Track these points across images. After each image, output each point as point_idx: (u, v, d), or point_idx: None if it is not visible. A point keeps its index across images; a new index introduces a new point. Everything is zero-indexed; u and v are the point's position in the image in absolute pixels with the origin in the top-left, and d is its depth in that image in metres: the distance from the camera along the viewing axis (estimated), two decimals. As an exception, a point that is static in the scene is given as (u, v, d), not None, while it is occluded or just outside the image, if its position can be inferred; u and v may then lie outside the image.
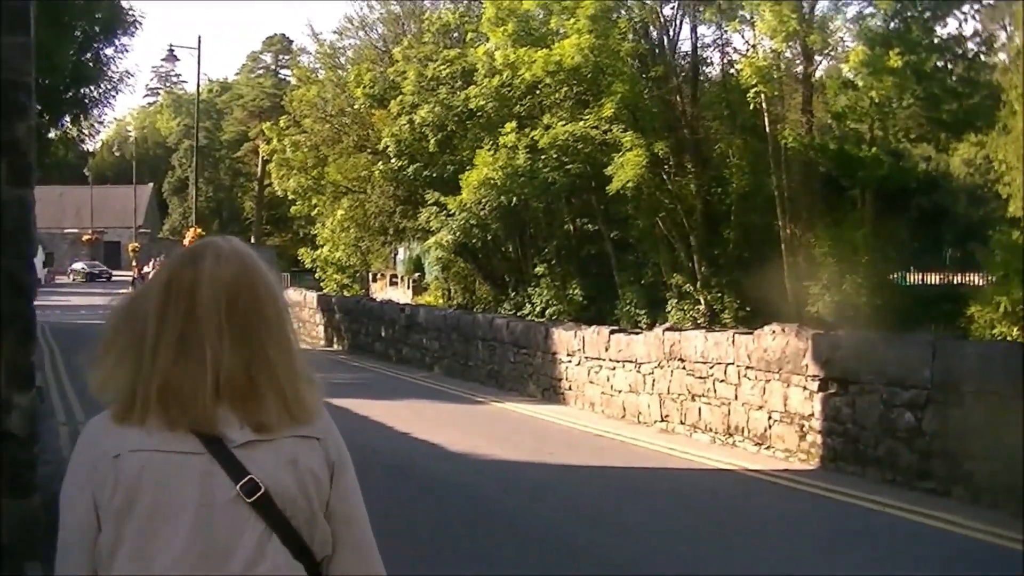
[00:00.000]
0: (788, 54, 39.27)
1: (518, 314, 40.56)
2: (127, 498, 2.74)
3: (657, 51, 42.56)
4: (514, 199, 40.23)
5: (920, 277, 42.16)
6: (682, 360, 17.87)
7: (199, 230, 59.20)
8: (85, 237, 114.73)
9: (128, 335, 2.90)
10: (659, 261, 41.44)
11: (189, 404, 2.76)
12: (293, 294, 43.95)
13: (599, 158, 39.27)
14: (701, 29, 42.95)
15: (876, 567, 10.36)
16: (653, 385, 18.78)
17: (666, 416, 18.43)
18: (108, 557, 2.77)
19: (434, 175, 44.34)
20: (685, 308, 39.61)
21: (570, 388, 22.04)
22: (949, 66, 39.90)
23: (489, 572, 9.92)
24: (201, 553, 2.71)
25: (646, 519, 12.02)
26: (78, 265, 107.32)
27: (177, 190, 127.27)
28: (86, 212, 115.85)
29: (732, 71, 42.20)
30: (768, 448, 15.65)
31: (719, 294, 39.39)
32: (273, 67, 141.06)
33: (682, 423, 17.96)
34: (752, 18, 38.55)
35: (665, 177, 40.15)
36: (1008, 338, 32.24)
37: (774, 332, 15.60)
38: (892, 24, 38.01)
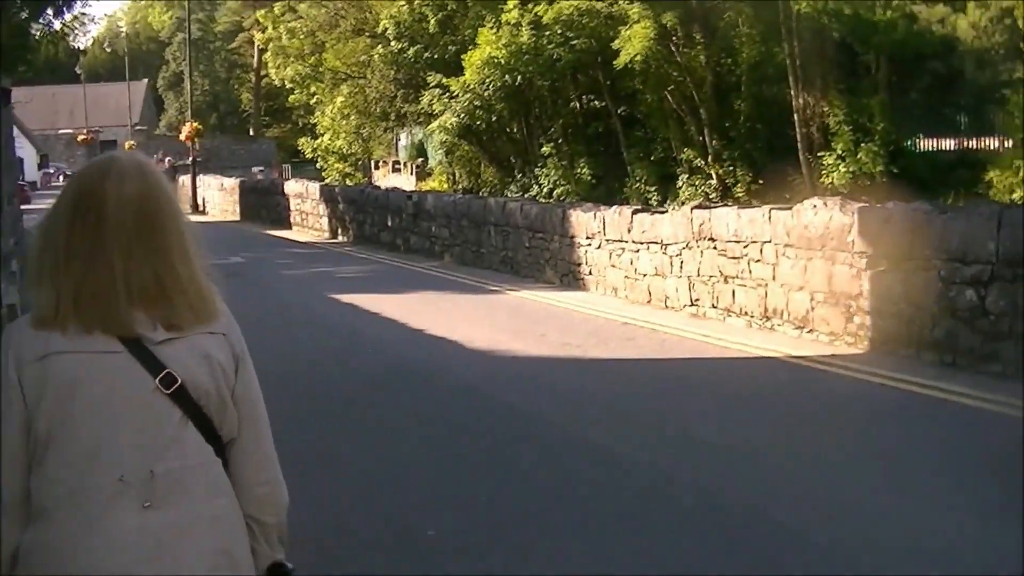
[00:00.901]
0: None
1: (525, 196, 39.68)
2: (58, 396, 2.98)
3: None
4: (519, 78, 39.23)
5: (935, 143, 40.91)
6: (712, 240, 16.64)
7: (196, 124, 58.10)
8: (80, 137, 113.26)
9: (48, 253, 3.10)
10: (669, 136, 40.41)
11: (104, 309, 3.02)
12: (294, 185, 42.71)
13: (605, 32, 38.11)
14: None
15: (938, 455, 9.40)
16: (681, 267, 17.58)
17: (696, 300, 17.25)
18: (41, 453, 3.02)
19: (435, 57, 43.41)
20: (696, 183, 38.69)
21: (590, 273, 20.82)
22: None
23: (531, 492, 8.87)
24: (131, 440, 3.00)
25: (691, 420, 10.92)
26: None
27: (172, 85, 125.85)
28: (80, 112, 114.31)
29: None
30: (810, 332, 14.53)
31: (731, 168, 38.36)
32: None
33: (714, 307, 16.79)
34: None
35: (673, 49, 38.86)
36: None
37: (815, 207, 14.37)
38: None
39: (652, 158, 40.99)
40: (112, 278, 3.01)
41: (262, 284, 24.03)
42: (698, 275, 17.08)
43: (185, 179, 58.27)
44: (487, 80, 39.37)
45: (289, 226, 40.59)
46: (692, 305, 17.28)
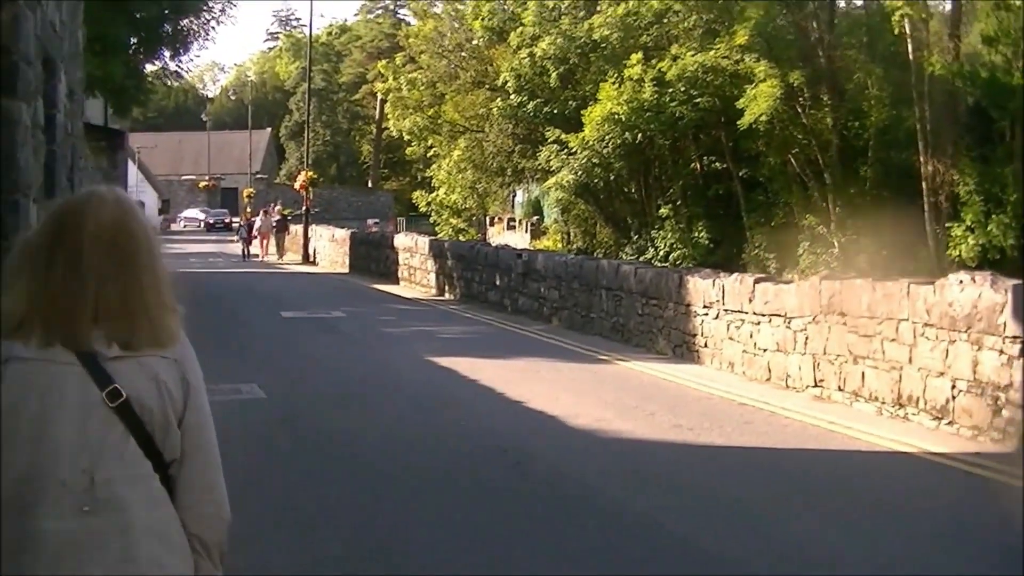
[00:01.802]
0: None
1: (641, 258, 38.74)
2: (10, 400, 3.29)
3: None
4: (639, 135, 38.29)
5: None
6: (842, 314, 15.18)
7: (311, 173, 57.90)
8: (202, 184, 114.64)
9: (27, 267, 3.41)
10: (791, 201, 39.20)
11: (69, 324, 3.33)
12: (404, 239, 41.82)
13: (729, 91, 37.10)
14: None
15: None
16: (806, 343, 16.13)
17: (820, 381, 15.77)
18: None
19: (555, 111, 42.64)
20: (818, 251, 37.42)
21: (706, 345, 19.35)
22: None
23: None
24: (74, 447, 3.29)
25: (819, 527, 9.62)
26: (190, 212, 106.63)
27: (294, 134, 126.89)
28: (204, 159, 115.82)
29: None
30: (950, 424, 13.00)
31: (855, 236, 36.92)
32: (392, 7, 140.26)
33: (840, 389, 15.26)
34: (894, -63, 35.77)
35: (799, 110, 37.70)
36: None
37: (961, 282, 12.85)
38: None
39: (772, 223, 39.77)
40: (83, 297, 3.32)
41: (359, 341, 23.10)
42: (824, 353, 15.60)
43: (297, 229, 57.99)
44: (607, 137, 38.50)
45: (396, 280, 39.77)
46: (816, 386, 15.79)
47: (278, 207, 62.29)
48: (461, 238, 51.47)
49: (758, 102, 34.89)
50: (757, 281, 17.89)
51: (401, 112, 52.69)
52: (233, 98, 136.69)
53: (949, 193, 35.50)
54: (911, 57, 35.68)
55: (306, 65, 64.69)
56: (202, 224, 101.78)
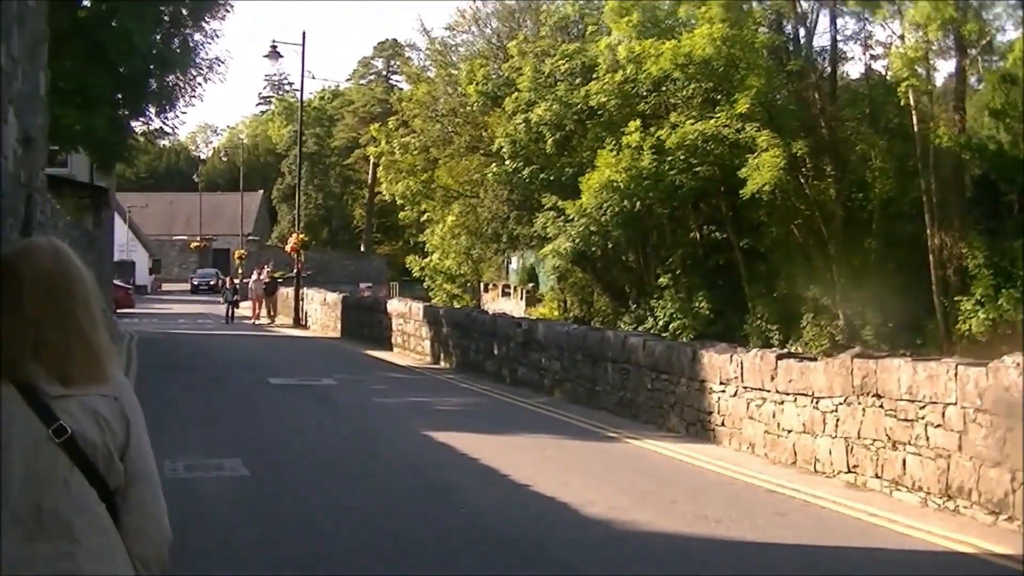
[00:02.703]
0: (936, 47, 35.99)
1: (640, 328, 37.97)
2: None
3: (791, 46, 39.45)
4: (638, 204, 37.43)
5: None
6: (878, 396, 14.08)
7: (302, 236, 57.04)
8: (194, 244, 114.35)
9: None
10: (794, 272, 38.33)
11: (12, 363, 3.60)
12: (397, 304, 40.89)
13: (730, 160, 36.33)
14: (840, 21, 39.62)
15: None
16: (837, 426, 15.02)
17: (855, 466, 14.64)
18: None
19: (551, 178, 41.78)
20: (822, 324, 36.73)
21: (723, 424, 18.20)
22: None
23: None
24: (23, 480, 3.54)
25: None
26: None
27: (287, 197, 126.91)
28: (195, 219, 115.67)
29: (875, 66, 39.27)
30: (1010, 519, 11.84)
31: (860, 309, 36.15)
32: (384, 72, 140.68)
33: (877, 476, 14.16)
34: (899, 7, 35.22)
35: (802, 181, 36.98)
36: None
37: (1019, 365, 11.87)
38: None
39: (775, 295, 38.97)
40: (24, 338, 3.65)
41: (351, 413, 22.02)
42: (858, 437, 14.49)
43: (288, 291, 57.21)
44: (605, 204, 37.60)
45: (390, 347, 38.83)
46: (849, 472, 14.65)
47: (268, 269, 61.49)
48: (455, 304, 50.75)
49: (761, 172, 34.12)
50: (780, 357, 16.75)
51: (394, 176, 51.83)
52: (225, 160, 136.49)
53: (958, 266, 34.83)
54: (915, 129, 35.05)
55: (298, 128, 63.97)
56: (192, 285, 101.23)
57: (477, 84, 46.18)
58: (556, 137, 41.54)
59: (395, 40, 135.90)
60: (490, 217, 47.83)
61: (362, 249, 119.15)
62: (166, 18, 28.87)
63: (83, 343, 3.70)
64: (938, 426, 12.90)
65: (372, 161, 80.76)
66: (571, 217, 38.86)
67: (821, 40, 40.56)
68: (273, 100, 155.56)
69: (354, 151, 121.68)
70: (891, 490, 13.76)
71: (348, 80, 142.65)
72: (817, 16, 39.35)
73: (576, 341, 24.39)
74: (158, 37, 28.05)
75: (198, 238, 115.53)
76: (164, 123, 32.30)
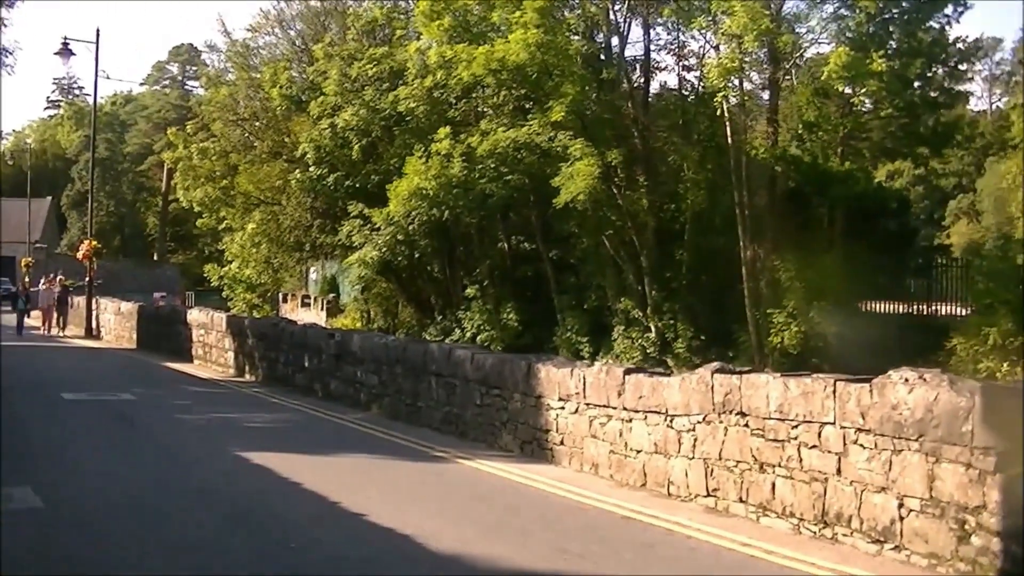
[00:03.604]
0: (751, 58, 35.64)
1: (447, 340, 36.87)
2: None
3: (602, 55, 38.77)
4: (446, 212, 36.36)
5: (882, 306, 38.50)
6: (743, 414, 13.22)
7: (95, 243, 54.82)
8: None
9: None
10: (604, 284, 37.73)
11: None
12: (198, 314, 39.26)
13: (540, 169, 35.51)
14: (653, 32, 39.02)
15: None
16: (694, 446, 14.11)
17: (714, 490, 13.77)
18: None
19: (356, 185, 40.67)
20: (633, 336, 36.16)
21: (562, 443, 17.14)
22: (930, 73, 36.65)
23: None
24: None
25: None
26: None
27: (76, 204, 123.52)
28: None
29: (688, 76, 38.84)
30: (896, 549, 11.11)
31: (671, 321, 35.69)
32: (180, 78, 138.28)
33: (742, 500, 13.29)
34: (715, 18, 34.77)
35: (615, 191, 36.32)
36: (997, 374, 29.00)
37: (908, 381, 11.04)
38: (869, 27, 34.49)
39: (585, 306, 38.41)
40: None
41: (154, 433, 20.53)
42: (719, 458, 13.66)
43: (80, 301, 55.00)
44: (413, 213, 36.47)
45: (190, 359, 37.27)
46: (708, 495, 13.83)
47: (60, 278, 59.00)
48: (256, 314, 49.19)
49: (575, 180, 33.26)
50: (628, 372, 15.78)
51: (192, 182, 49.91)
52: (11, 164, 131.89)
53: (770, 279, 34.50)
54: (730, 140, 34.59)
55: (89, 133, 61.65)
56: None
57: (280, 88, 44.74)
58: (363, 143, 40.36)
59: (191, 45, 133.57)
60: (292, 225, 46.46)
61: (155, 258, 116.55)
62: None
63: None
64: (813, 447, 12.09)
65: (167, 168, 78.59)
66: (378, 226, 37.68)
67: (634, 50, 39.96)
68: (62, 104, 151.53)
69: (148, 158, 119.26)
70: (758, 515, 12.90)
71: (142, 84, 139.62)
72: (630, 25, 38.74)
73: (396, 354, 23.22)
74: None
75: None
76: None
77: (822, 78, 32.70)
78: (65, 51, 53.82)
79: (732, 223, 34.98)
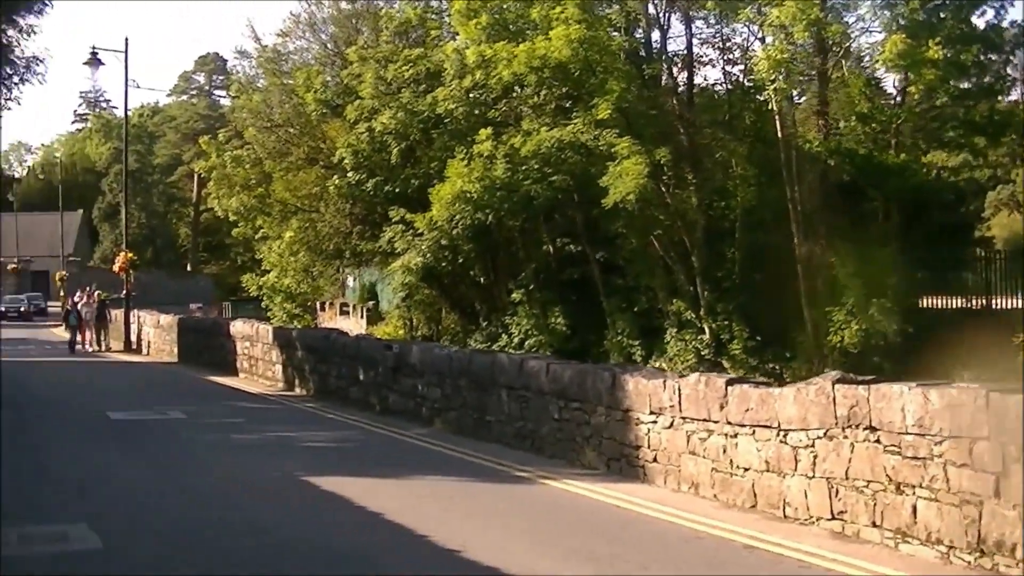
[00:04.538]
0: (800, 49, 34.61)
1: (494, 346, 35.87)
2: None
3: (642, 51, 37.73)
4: (491, 215, 35.37)
5: (938, 301, 37.25)
6: (873, 428, 11.98)
7: (130, 254, 54.16)
8: (10, 266, 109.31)
9: None
10: (654, 285, 36.65)
11: None
12: (242, 326, 38.07)
13: (584, 169, 34.51)
14: (696, 24, 38.01)
15: None
16: (814, 464, 12.92)
17: (841, 512, 12.53)
18: None
19: (396, 190, 39.52)
20: (686, 338, 35.11)
21: (655, 460, 15.87)
22: (986, 60, 35.56)
23: None
24: None
25: None
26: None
27: (108, 216, 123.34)
28: (11, 241, 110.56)
29: (733, 70, 37.82)
30: None
31: (725, 322, 34.61)
32: (207, 88, 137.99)
33: (875, 525, 12.03)
34: (760, 8, 33.73)
35: (664, 190, 35.27)
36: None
37: None
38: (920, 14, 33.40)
39: (635, 309, 37.32)
40: None
41: (210, 454, 19.41)
42: (846, 477, 12.46)
43: (118, 314, 54.18)
44: (456, 217, 35.48)
45: (235, 372, 36.39)
46: (834, 518, 12.63)
47: (99, 291, 58.04)
48: (297, 324, 48.40)
49: (624, 180, 32.21)
50: (730, 383, 14.52)
51: (226, 191, 49.04)
52: (42, 178, 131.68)
53: (826, 275, 33.37)
54: (780, 134, 33.52)
55: (118, 145, 61.12)
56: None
57: (315, 92, 43.85)
58: (401, 147, 39.42)
59: (218, 54, 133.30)
60: (331, 232, 45.50)
61: (188, 269, 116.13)
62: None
63: None
64: (963, 466, 10.90)
65: (197, 178, 77.99)
66: (420, 231, 36.75)
67: (675, 44, 38.95)
68: (90, 117, 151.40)
69: (177, 168, 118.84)
70: (896, 541, 11.65)
71: (169, 95, 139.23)
72: (669, 19, 37.72)
73: (460, 365, 22.06)
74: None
75: (14, 260, 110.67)
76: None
77: (876, 66, 31.74)
78: (95, 60, 53.08)
79: (783, 219, 33.95)
